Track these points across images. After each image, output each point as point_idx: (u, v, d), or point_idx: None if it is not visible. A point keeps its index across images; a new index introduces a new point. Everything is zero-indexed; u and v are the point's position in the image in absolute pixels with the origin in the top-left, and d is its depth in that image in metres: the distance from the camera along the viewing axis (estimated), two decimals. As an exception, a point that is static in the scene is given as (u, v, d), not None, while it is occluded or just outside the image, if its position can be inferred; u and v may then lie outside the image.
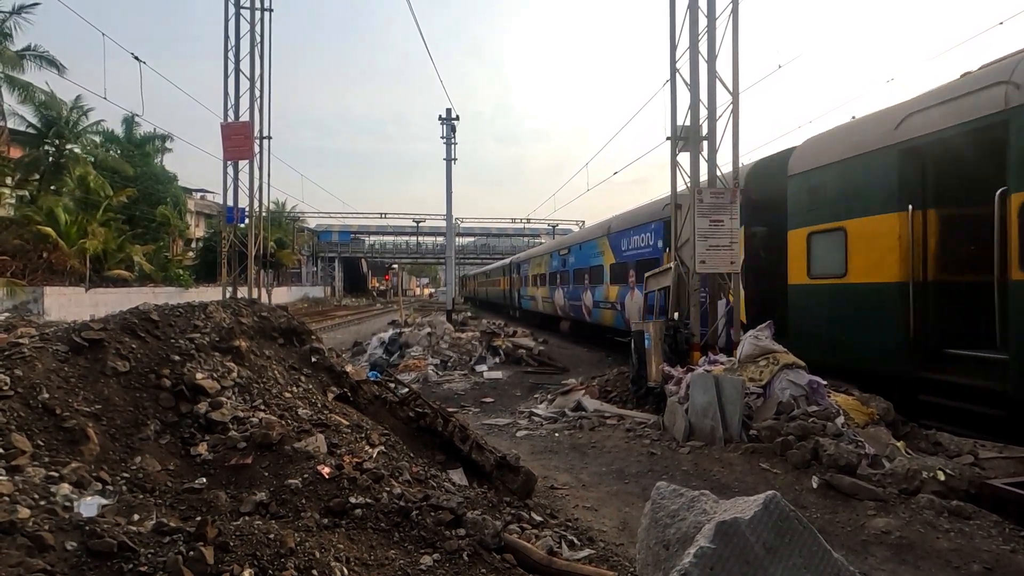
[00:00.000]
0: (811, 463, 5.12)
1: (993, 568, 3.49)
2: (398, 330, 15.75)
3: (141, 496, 2.96)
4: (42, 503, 2.60)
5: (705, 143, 8.31)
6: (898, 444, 5.37)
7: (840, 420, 5.64)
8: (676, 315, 8.26)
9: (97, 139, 32.05)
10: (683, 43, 8.31)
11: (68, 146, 27.80)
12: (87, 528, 2.40)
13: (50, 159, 27.24)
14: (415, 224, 66.03)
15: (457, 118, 24.27)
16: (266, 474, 3.31)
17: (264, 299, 13.77)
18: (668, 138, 8.51)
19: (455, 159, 24.50)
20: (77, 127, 28.19)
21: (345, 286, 69.47)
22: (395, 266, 73.68)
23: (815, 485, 4.77)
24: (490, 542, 2.93)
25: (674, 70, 8.43)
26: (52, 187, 27.39)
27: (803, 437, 5.40)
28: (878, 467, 4.92)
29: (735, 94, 8.07)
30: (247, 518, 2.82)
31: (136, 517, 2.67)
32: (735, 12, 8.00)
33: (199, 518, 2.67)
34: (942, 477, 4.61)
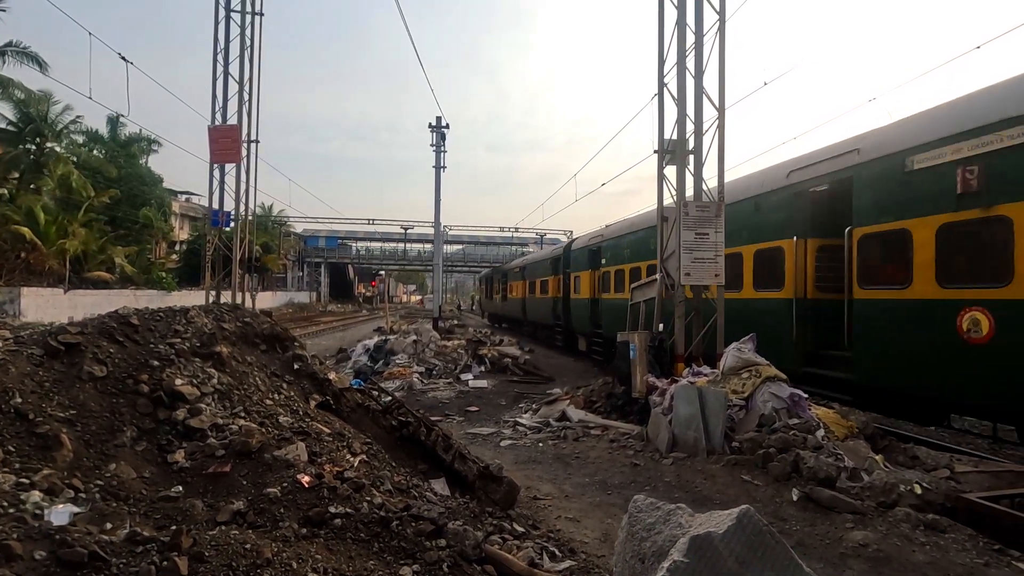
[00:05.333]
0: (791, 475, 5.17)
1: (967, 581, 3.54)
2: (384, 337, 15.65)
3: (115, 504, 2.89)
4: (11, 511, 2.53)
5: (691, 157, 8.42)
6: (876, 457, 5.44)
7: (820, 433, 5.71)
8: (661, 326, 8.31)
9: (80, 139, 31.61)
10: (671, 59, 8.44)
11: (48, 144, 27.37)
12: (57, 537, 2.35)
13: (31, 157, 26.79)
14: (403, 231, 65.79)
15: (447, 126, 24.36)
16: (244, 483, 3.26)
17: (248, 304, 13.62)
18: (655, 151, 8.61)
19: (444, 167, 24.55)
20: (57, 125, 27.77)
21: (331, 292, 68.85)
22: (382, 272, 73.31)
23: (795, 497, 4.81)
24: (471, 553, 2.91)
25: (662, 85, 8.56)
26: (32, 186, 26.92)
27: (784, 449, 5.45)
28: (857, 480, 4.97)
29: (721, 109, 8.20)
30: (223, 527, 2.77)
31: (109, 526, 2.61)
32: (722, 29, 8.15)
33: (174, 527, 2.62)
34: (919, 491, 4.67)
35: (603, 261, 14.99)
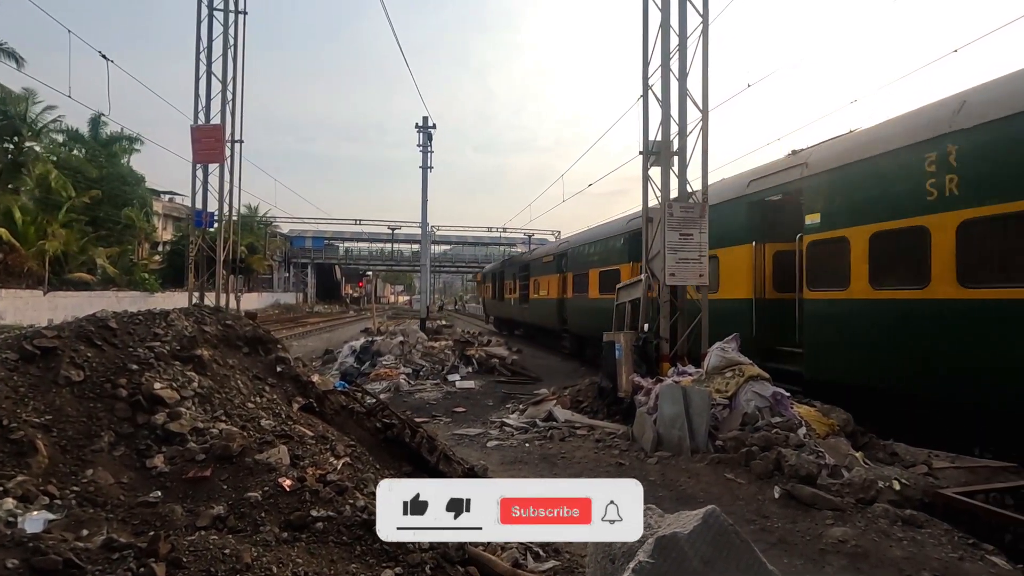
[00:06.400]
0: (774, 473, 5.23)
1: (942, 575, 3.61)
2: (370, 338, 15.57)
3: (91, 510, 2.85)
4: (-17, 519, 2.49)
5: (676, 158, 8.49)
6: (856, 454, 5.53)
7: (802, 431, 5.79)
8: (646, 326, 8.37)
9: (60, 138, 31.07)
10: (655, 60, 8.50)
11: (27, 144, 26.87)
12: (31, 544, 2.31)
13: (8, 156, 26.28)
14: (390, 231, 65.43)
15: (434, 126, 24.31)
16: (225, 487, 3.23)
17: (233, 305, 13.48)
18: (641, 152, 8.67)
19: (432, 167, 24.49)
20: (37, 124, 27.26)
21: (318, 293, 68.32)
22: (369, 273, 72.90)
23: (777, 495, 4.87)
24: (454, 555, 2.91)
25: (647, 86, 8.61)
26: (10, 186, 26.41)
27: (766, 448, 5.52)
28: (837, 477, 5.05)
29: (705, 111, 8.28)
30: (203, 533, 2.74)
31: (85, 532, 2.57)
32: (705, 31, 8.23)
33: (152, 533, 2.59)
34: (897, 487, 4.76)
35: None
